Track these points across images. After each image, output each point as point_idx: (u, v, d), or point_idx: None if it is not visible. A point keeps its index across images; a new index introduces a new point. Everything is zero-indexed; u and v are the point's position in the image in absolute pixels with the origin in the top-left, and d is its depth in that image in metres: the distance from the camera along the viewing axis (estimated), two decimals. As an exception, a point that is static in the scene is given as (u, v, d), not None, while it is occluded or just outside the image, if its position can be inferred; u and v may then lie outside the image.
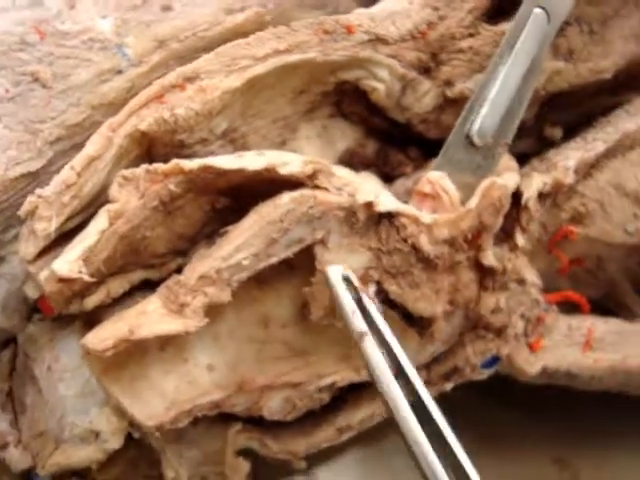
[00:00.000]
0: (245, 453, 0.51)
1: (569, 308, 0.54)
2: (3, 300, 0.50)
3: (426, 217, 0.44)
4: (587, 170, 0.53)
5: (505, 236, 0.50)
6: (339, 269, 0.43)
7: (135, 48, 0.48)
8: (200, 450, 0.50)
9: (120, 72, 0.48)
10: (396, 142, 0.55)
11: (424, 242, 0.44)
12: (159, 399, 0.45)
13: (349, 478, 0.58)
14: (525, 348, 0.50)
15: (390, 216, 0.44)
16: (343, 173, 0.46)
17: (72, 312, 0.48)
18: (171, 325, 0.42)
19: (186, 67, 0.48)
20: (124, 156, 0.47)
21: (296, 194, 0.43)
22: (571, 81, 0.53)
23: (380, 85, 0.52)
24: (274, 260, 0.44)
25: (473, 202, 0.45)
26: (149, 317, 0.43)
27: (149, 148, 0.48)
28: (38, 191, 0.45)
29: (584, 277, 0.56)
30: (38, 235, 0.45)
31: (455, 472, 0.37)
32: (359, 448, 0.57)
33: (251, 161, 0.44)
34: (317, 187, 0.44)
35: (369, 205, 0.44)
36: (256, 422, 0.50)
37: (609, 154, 0.53)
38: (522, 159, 0.53)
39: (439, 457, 0.37)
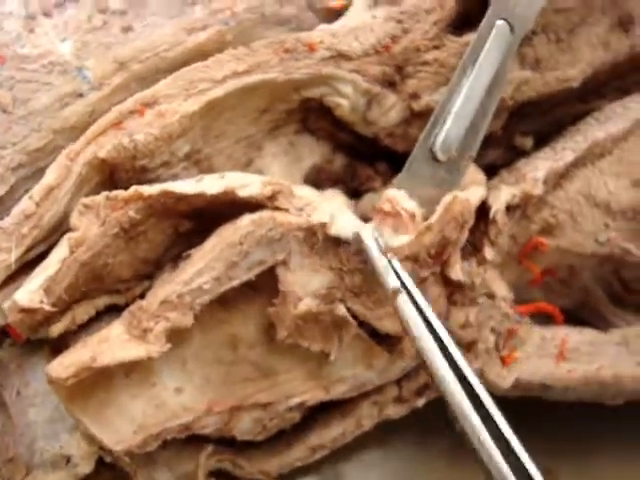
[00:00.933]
0: (218, 474, 0.51)
1: (543, 319, 0.54)
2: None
3: (389, 240, 0.44)
4: (557, 180, 0.52)
5: (474, 250, 0.50)
6: (371, 228, 0.43)
7: (95, 71, 0.48)
8: (172, 473, 0.50)
9: (81, 95, 0.47)
10: (364, 157, 0.55)
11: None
12: (127, 424, 0.45)
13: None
14: (497, 362, 0.50)
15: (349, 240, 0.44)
16: (304, 193, 0.45)
17: (41, 337, 0.48)
18: (133, 351, 0.42)
19: (144, 92, 0.48)
20: (85, 183, 0.47)
21: (255, 216, 0.43)
22: (539, 90, 0.53)
23: (344, 101, 0.51)
24: (236, 283, 0.44)
25: (434, 218, 0.44)
26: (112, 344, 0.43)
27: (111, 174, 0.48)
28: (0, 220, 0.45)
29: (557, 287, 0.55)
30: (-1, 265, 0.45)
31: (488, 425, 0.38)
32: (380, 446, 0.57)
33: (210, 185, 0.44)
34: (277, 208, 0.44)
35: (323, 226, 0.44)
36: (228, 443, 0.50)
37: (578, 163, 0.52)
38: (491, 170, 0.53)
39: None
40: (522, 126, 0.56)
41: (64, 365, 0.42)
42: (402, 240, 0.44)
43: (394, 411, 0.50)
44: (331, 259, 0.45)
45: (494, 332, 0.50)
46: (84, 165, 0.46)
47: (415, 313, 0.40)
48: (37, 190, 0.45)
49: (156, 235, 0.46)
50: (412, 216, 0.44)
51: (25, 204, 0.45)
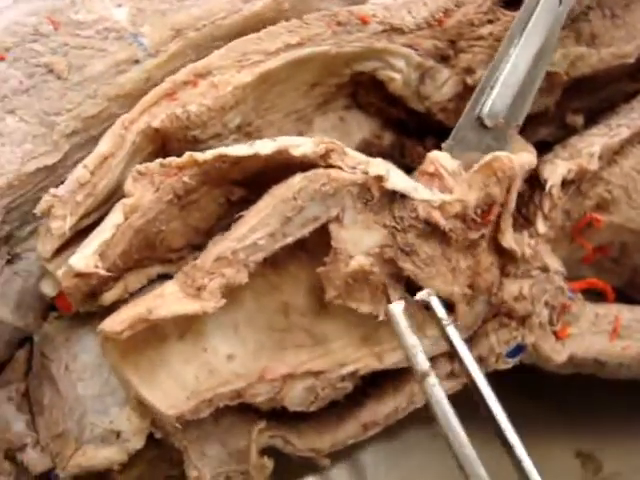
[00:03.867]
0: (268, 450, 0.50)
1: (593, 297, 0.53)
2: (18, 298, 0.49)
3: (434, 195, 0.44)
4: (611, 156, 0.52)
5: (527, 223, 0.49)
6: (402, 306, 0.43)
7: (151, 37, 0.47)
8: (223, 449, 0.49)
9: (137, 62, 0.47)
10: (413, 134, 0.55)
11: (437, 217, 0.44)
12: (179, 389, 0.44)
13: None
14: (551, 336, 0.50)
15: (402, 195, 0.44)
16: (357, 154, 0.45)
17: (89, 310, 0.47)
18: (188, 306, 0.41)
19: (198, 63, 0.47)
20: (138, 153, 0.47)
21: (309, 173, 0.43)
22: (594, 66, 0.52)
23: (397, 75, 0.51)
24: (290, 240, 0.43)
25: (472, 171, 0.44)
26: (166, 299, 0.42)
27: (163, 144, 0.48)
28: (52, 190, 0.45)
29: (608, 265, 0.55)
30: (53, 234, 0.44)
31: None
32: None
33: (263, 146, 0.43)
34: (330, 166, 0.43)
35: (380, 179, 0.43)
36: (280, 419, 0.50)
37: (634, 140, 0.52)
38: (544, 146, 0.53)
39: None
40: (575, 103, 0.55)
41: (118, 320, 0.42)
42: (447, 198, 0.44)
43: (447, 386, 0.49)
44: (385, 216, 0.44)
45: (548, 306, 0.49)
46: (138, 134, 0.46)
47: (443, 396, 0.41)
48: (91, 158, 0.45)
49: (208, 204, 0.46)
50: (455, 175, 0.44)
51: (79, 172, 0.45)
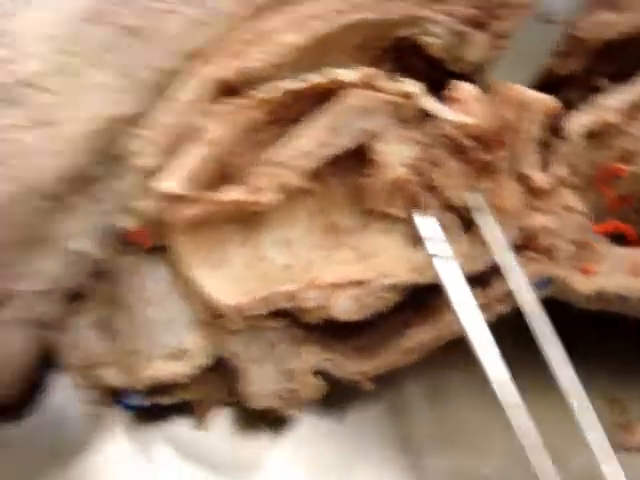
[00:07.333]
0: (318, 373, 0.55)
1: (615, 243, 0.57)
2: (100, 235, 0.54)
3: (457, 117, 0.51)
4: (635, 111, 0.56)
5: (545, 164, 0.54)
6: (426, 215, 0.51)
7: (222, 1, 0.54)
8: (278, 369, 0.54)
9: (209, 23, 0.53)
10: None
11: (458, 136, 0.51)
12: (239, 286, 0.51)
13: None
14: (576, 271, 0.54)
15: (432, 114, 0.51)
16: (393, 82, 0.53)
17: (161, 244, 0.54)
18: (249, 196, 0.50)
19: (260, 25, 0.54)
20: (208, 101, 0.53)
21: (354, 92, 0.51)
22: (621, 30, 0.56)
23: (436, 40, 0.57)
24: (336, 150, 0.51)
25: (490, 101, 0.51)
26: (230, 193, 0.50)
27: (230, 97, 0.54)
28: (139, 132, 0.51)
29: (631, 216, 0.58)
30: (140, 170, 0.51)
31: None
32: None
33: (314, 77, 0.52)
34: (373, 89, 0.51)
35: (413, 99, 0.51)
36: (329, 344, 0.55)
37: (657, 95, 0.56)
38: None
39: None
40: (602, 67, 0.59)
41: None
42: (467, 120, 0.51)
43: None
44: (417, 133, 0.52)
45: (573, 243, 0.54)
46: (209, 85, 0.52)
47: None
48: (172, 104, 0.52)
49: (273, 140, 0.52)
50: (476, 101, 0.51)
51: (162, 116, 0.51)
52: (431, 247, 0.51)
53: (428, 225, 0.52)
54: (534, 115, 0.51)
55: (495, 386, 0.48)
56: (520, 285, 0.50)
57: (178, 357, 0.53)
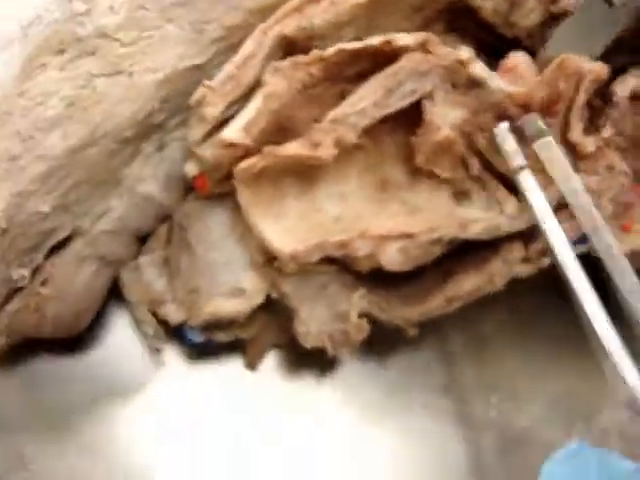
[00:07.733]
0: (366, 316, 0.58)
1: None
2: (164, 179, 0.58)
3: (507, 86, 0.54)
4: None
5: (593, 128, 0.56)
6: (505, 125, 0.53)
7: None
8: (328, 310, 0.57)
9: (273, -20, 0.56)
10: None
11: (506, 103, 0.53)
12: (294, 234, 0.54)
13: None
14: (615, 230, 0.56)
15: (481, 81, 0.54)
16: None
17: (222, 191, 0.57)
18: (308, 151, 0.52)
19: (321, -16, 0.56)
20: (272, 55, 0.56)
21: (409, 54, 0.53)
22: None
23: (488, 3, 0.59)
24: (391, 110, 0.53)
25: (542, 71, 0.54)
26: (288, 147, 0.53)
27: (291, 52, 0.57)
28: (206, 82, 0.54)
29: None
30: (206, 119, 0.54)
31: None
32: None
33: (372, 40, 0.54)
34: (427, 52, 0.54)
35: (465, 64, 0.54)
36: (376, 289, 0.58)
37: None
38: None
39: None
40: None
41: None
42: (516, 89, 0.53)
43: (522, 269, 0.57)
44: (466, 98, 0.54)
45: (612, 202, 0.56)
46: (272, 40, 0.55)
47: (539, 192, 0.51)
48: (238, 57, 0.55)
49: (328, 98, 0.55)
50: (528, 70, 0.54)
51: (228, 68, 0.54)
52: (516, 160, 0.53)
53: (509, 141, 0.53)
54: (587, 84, 0.53)
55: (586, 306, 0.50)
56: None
57: (236, 295, 0.56)
